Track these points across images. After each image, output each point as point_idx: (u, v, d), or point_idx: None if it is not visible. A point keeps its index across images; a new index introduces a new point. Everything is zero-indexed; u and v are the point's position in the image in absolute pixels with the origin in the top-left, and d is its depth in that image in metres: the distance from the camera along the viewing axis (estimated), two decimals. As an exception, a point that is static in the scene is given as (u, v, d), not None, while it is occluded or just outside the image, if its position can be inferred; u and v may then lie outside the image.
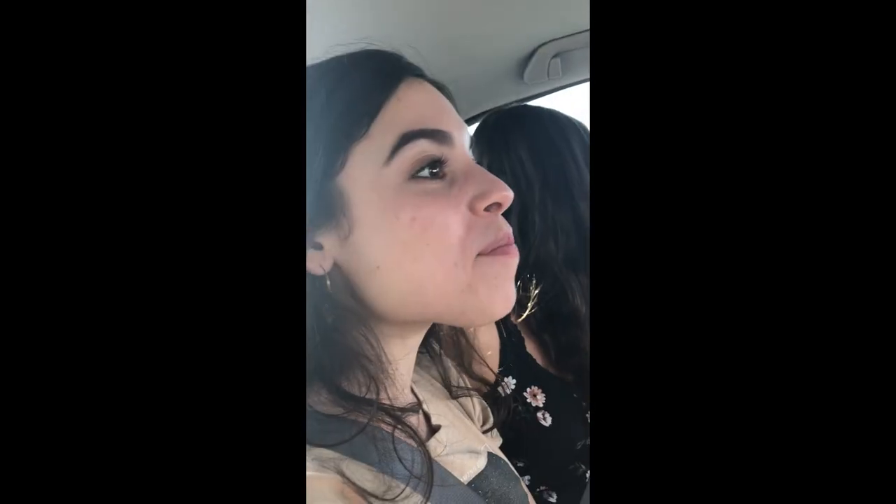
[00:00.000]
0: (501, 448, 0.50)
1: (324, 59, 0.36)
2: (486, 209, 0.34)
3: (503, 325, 0.59)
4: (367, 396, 0.33)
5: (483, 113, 0.89)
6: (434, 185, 0.33)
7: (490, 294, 0.34)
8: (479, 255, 0.34)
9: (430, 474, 0.32)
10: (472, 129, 0.71)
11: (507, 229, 0.35)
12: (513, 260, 0.35)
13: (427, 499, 0.31)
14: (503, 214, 0.67)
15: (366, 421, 0.32)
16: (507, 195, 0.34)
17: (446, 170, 0.34)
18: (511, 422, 0.57)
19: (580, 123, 0.68)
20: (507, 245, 0.35)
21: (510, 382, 0.59)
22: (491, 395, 0.58)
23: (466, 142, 0.36)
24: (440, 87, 0.37)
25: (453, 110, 0.36)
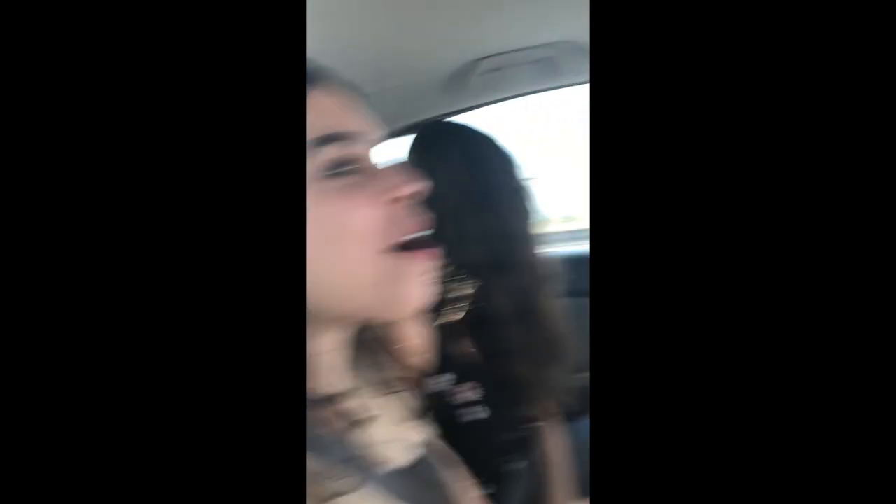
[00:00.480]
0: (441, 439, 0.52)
1: None
2: (402, 200, 0.36)
3: (439, 324, 0.62)
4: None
5: (418, 123, 0.91)
6: (350, 179, 0.34)
7: (406, 289, 0.35)
8: (399, 250, 0.35)
9: (353, 462, 0.33)
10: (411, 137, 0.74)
11: (422, 219, 0.37)
12: (430, 261, 0.37)
13: (361, 481, 0.32)
14: (439, 219, 0.70)
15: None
16: (420, 185, 0.36)
17: (360, 166, 0.35)
18: (448, 416, 0.59)
19: (490, 135, 0.74)
20: (427, 247, 0.36)
21: (447, 378, 0.61)
22: (427, 390, 0.60)
23: (380, 138, 0.38)
24: (350, 87, 0.38)
25: (363, 110, 0.38)
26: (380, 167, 0.36)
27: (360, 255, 0.33)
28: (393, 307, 0.36)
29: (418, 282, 0.36)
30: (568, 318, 0.70)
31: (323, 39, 0.61)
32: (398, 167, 0.37)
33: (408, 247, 0.36)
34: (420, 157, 0.71)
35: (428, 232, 0.37)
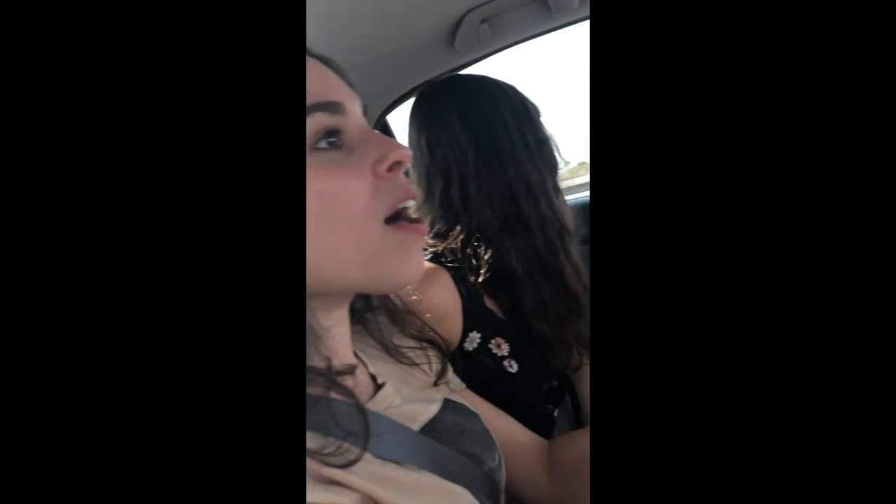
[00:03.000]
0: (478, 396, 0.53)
1: None
2: (388, 170, 0.35)
3: (462, 285, 0.62)
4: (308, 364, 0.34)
5: (419, 86, 0.90)
6: (334, 154, 0.34)
7: (400, 263, 0.36)
8: (388, 224, 0.35)
9: (364, 429, 0.34)
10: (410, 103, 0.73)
11: (409, 187, 0.37)
12: (421, 236, 0.37)
13: (363, 450, 0.33)
14: (444, 183, 0.69)
15: (319, 394, 0.33)
16: (404, 153, 0.36)
17: (344, 138, 0.35)
18: (479, 371, 0.61)
19: (509, 86, 0.70)
20: (417, 222, 0.37)
21: (475, 337, 0.62)
22: (458, 350, 0.61)
23: (359, 110, 0.37)
24: (325, 62, 0.38)
25: (342, 81, 0.37)
26: (362, 138, 0.36)
27: (350, 231, 0.34)
28: (387, 280, 0.37)
29: (411, 255, 0.36)
30: (587, 271, 0.70)
31: (315, 13, 0.60)
32: (379, 136, 0.37)
33: (397, 219, 0.36)
34: (427, 116, 0.69)
35: (413, 202, 0.37)
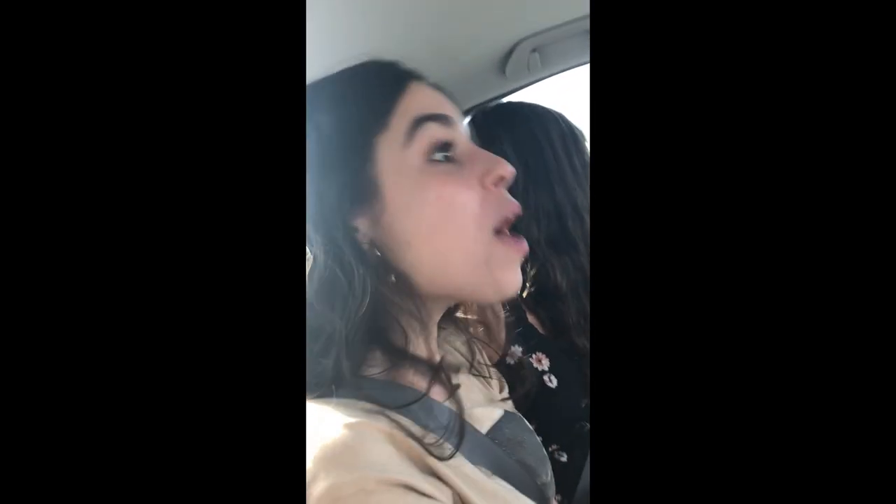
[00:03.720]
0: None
1: (335, 71, 0.42)
2: (494, 184, 0.39)
3: (506, 302, 0.65)
4: (416, 353, 0.37)
5: (470, 109, 0.93)
6: (448, 166, 0.38)
7: (503, 273, 0.39)
8: (495, 234, 0.38)
9: (461, 427, 0.36)
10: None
11: (514, 202, 0.40)
12: (522, 250, 0.40)
13: (457, 448, 0.35)
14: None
15: (425, 386, 0.36)
16: (509, 169, 0.39)
17: (455, 152, 0.39)
18: (522, 385, 0.63)
19: (558, 113, 0.75)
20: (519, 239, 0.40)
21: (517, 351, 0.64)
22: (502, 364, 0.64)
23: (466, 129, 0.42)
24: (439, 88, 0.43)
25: (452, 103, 0.42)
26: (471, 153, 0.39)
27: (461, 238, 0.37)
28: (491, 289, 0.39)
29: (513, 268, 0.39)
30: None
31: (379, 39, 0.65)
32: (485, 153, 0.40)
33: (501, 232, 0.39)
34: (482, 138, 0.73)
35: (518, 209, 0.40)
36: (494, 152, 0.71)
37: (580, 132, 0.74)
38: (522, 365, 0.64)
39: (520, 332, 0.65)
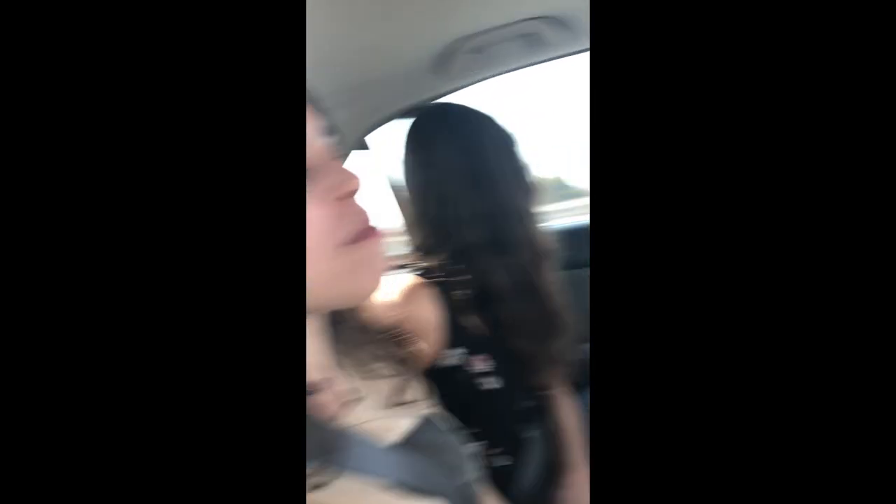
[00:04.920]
0: (453, 414, 0.54)
1: None
2: (346, 197, 0.37)
3: (446, 301, 0.63)
4: None
5: (405, 109, 0.92)
6: None
7: (362, 277, 0.38)
8: (349, 243, 0.36)
9: (335, 445, 0.35)
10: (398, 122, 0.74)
11: (365, 213, 0.38)
12: (375, 241, 0.38)
13: (337, 470, 0.34)
14: (435, 202, 0.70)
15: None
16: (355, 182, 0.37)
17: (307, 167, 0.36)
18: (463, 387, 0.62)
19: (489, 116, 0.75)
20: (369, 229, 0.38)
21: (455, 353, 0.63)
22: (434, 367, 0.62)
23: (319, 136, 0.38)
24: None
25: (316, 112, 0.39)
26: (319, 166, 0.37)
27: (316, 254, 0.35)
28: (353, 295, 0.39)
29: (372, 267, 0.38)
30: (566, 292, 0.72)
31: (314, 36, 0.62)
32: (336, 165, 0.38)
33: (354, 240, 0.37)
34: (420, 141, 0.72)
35: (368, 219, 0.39)
36: (432, 153, 0.71)
37: (511, 134, 0.75)
38: (457, 368, 0.63)
39: (462, 333, 0.64)
